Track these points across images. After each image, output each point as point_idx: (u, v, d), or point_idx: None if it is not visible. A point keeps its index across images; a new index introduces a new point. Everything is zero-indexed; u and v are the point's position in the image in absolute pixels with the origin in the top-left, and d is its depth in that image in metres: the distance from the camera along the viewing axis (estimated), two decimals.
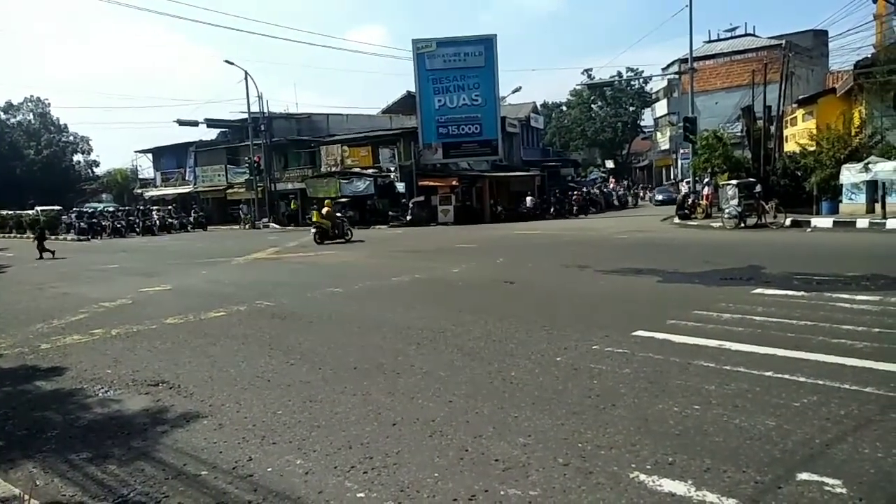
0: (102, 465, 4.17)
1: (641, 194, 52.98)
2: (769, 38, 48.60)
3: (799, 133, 29.13)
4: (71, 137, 72.92)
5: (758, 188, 21.35)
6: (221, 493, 3.66)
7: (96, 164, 75.60)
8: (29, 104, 71.51)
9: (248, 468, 3.97)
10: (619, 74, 64.87)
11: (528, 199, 36.41)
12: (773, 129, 25.50)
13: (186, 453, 4.26)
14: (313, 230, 24.01)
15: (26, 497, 2.74)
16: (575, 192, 39.96)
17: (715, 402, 4.67)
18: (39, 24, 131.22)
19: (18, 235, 40.16)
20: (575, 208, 36.72)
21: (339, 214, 25.22)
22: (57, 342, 8.00)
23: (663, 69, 53.20)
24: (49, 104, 72.00)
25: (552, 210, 36.27)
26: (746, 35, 51.47)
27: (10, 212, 46.28)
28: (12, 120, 70.46)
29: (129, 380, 6.14)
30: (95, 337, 8.25)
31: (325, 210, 24.23)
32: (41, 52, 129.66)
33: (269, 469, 3.94)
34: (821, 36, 46.95)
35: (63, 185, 66.57)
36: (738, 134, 32.68)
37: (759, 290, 9.18)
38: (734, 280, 10.25)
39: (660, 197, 44.68)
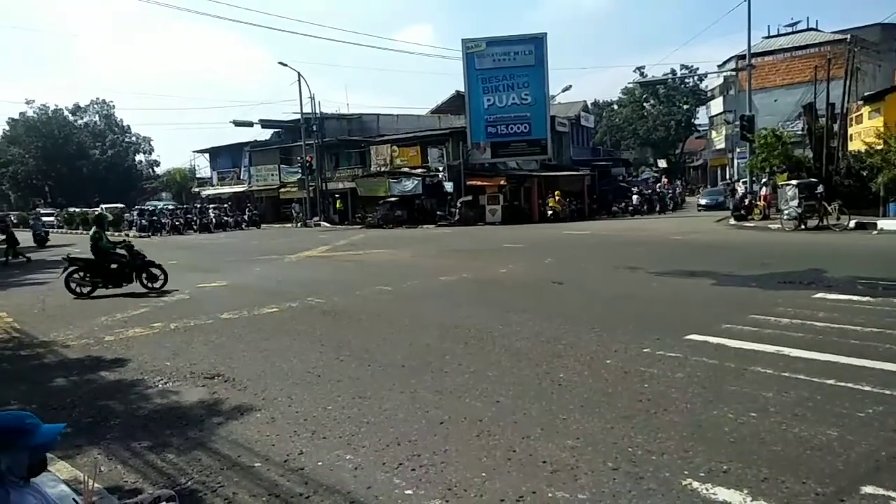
0: (162, 453, 4.33)
1: (684, 195, 49.26)
2: (833, 32, 46.61)
3: (865, 131, 27.80)
4: (133, 138, 75.85)
5: (819, 188, 20.50)
6: (274, 484, 3.75)
7: (157, 163, 78.50)
8: (95, 106, 74.68)
9: (299, 461, 4.06)
10: (673, 72, 63.25)
11: (635, 196, 37.23)
12: (836, 127, 24.45)
13: (241, 445, 4.38)
14: (549, 212, 32.99)
15: (91, 482, 2.88)
16: (670, 191, 41.72)
17: (773, 410, 4.52)
18: (103, 28, 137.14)
19: (85, 232, 42.07)
20: (671, 205, 39.20)
21: (567, 201, 34.41)
22: (120, 334, 8.35)
23: (719, 66, 51.71)
24: (114, 106, 75.13)
25: (657, 207, 37.54)
26: (809, 30, 49.49)
27: (77, 209, 48.56)
28: (80, 122, 73.72)
29: (187, 372, 6.36)
30: (155, 330, 8.57)
31: (556, 198, 33.46)
32: (105, 55, 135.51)
33: (319, 463, 4.02)
34: (889, 30, 44.76)
35: (126, 184, 69.36)
36: (799, 132, 31.44)
37: (820, 295, 8.83)
38: (794, 284, 9.88)
39: (704, 201, 38.11)
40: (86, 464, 4.17)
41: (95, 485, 3.59)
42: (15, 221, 42.45)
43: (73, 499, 2.68)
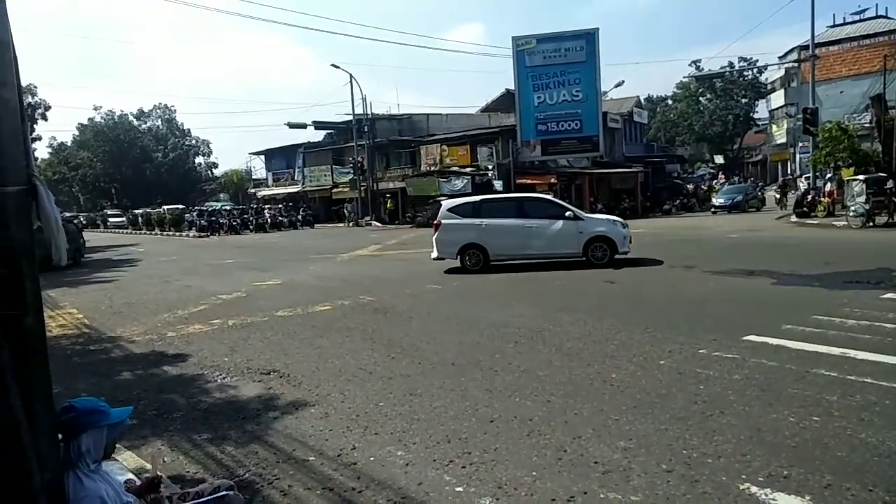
0: (221, 445, 4.49)
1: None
2: None
3: None
4: (193, 141, 78.40)
5: (889, 183, 19.54)
6: (327, 478, 3.83)
7: (215, 165, 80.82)
8: (158, 111, 77.54)
9: (351, 456, 4.14)
10: (731, 65, 61.24)
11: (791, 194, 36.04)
12: None
13: (295, 439, 4.50)
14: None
15: (155, 472, 3.03)
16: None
17: (837, 415, 4.34)
18: (164, 35, 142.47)
19: (148, 232, 43.81)
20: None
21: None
22: (181, 331, 8.67)
23: (780, 57, 49.77)
24: (175, 110, 77.79)
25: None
26: (877, 17, 47.11)
27: (141, 210, 50.63)
28: (143, 126, 76.70)
29: (244, 368, 6.56)
30: (214, 327, 8.86)
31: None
32: (165, 60, 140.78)
33: (371, 458, 4.09)
34: None
35: (185, 186, 71.75)
36: (867, 125, 30.04)
37: (889, 295, 8.42)
38: (860, 283, 9.45)
39: (720, 201, 32.60)
40: (150, 454, 4.35)
41: (160, 475, 3.77)
42: (84, 223, 44.59)
43: (130, 479, 2.85)
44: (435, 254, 14.20)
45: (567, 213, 13.44)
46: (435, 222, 14.44)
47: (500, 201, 15.28)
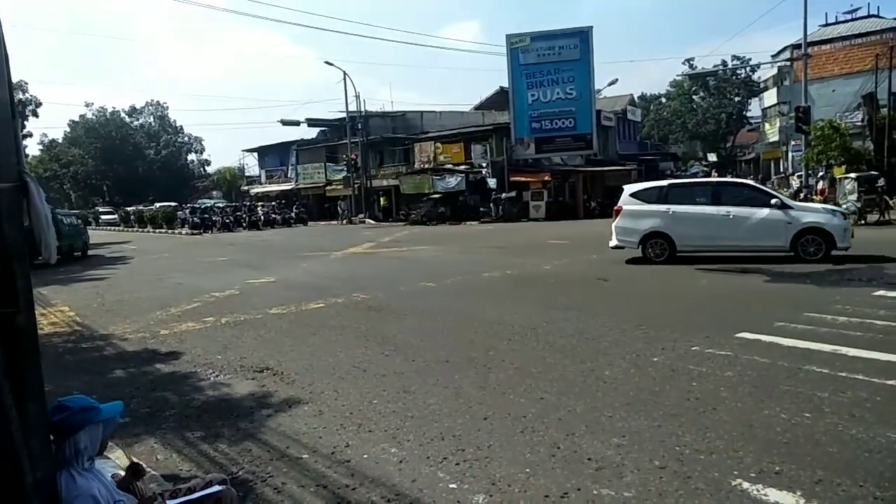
0: (214, 443, 4.48)
1: None
2: (895, 18, 44.52)
3: None
4: (186, 138, 78.01)
5: (881, 182, 19.69)
6: (321, 476, 3.83)
7: (208, 162, 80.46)
8: (150, 108, 77.13)
9: (345, 454, 4.13)
10: (724, 63, 61.43)
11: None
12: None
13: (289, 437, 4.49)
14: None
15: (149, 470, 3.02)
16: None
17: (828, 411, 4.37)
18: (157, 32, 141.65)
19: (140, 229, 43.61)
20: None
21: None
22: (174, 328, 8.64)
23: (773, 56, 49.99)
24: (167, 107, 77.39)
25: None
26: (869, 16, 47.38)
27: (133, 207, 50.37)
28: (136, 123, 76.22)
29: (237, 365, 6.54)
30: (207, 324, 8.83)
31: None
32: (157, 57, 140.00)
33: (365, 456, 4.09)
34: None
35: (178, 183, 71.46)
36: (858, 123, 30.23)
37: (881, 292, 8.48)
38: (852, 281, 9.52)
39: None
40: (143, 453, 4.34)
41: (152, 471, 3.75)
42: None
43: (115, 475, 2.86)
44: (614, 242, 13.30)
45: (773, 201, 11.96)
46: (615, 208, 13.51)
47: (691, 186, 14.09)
